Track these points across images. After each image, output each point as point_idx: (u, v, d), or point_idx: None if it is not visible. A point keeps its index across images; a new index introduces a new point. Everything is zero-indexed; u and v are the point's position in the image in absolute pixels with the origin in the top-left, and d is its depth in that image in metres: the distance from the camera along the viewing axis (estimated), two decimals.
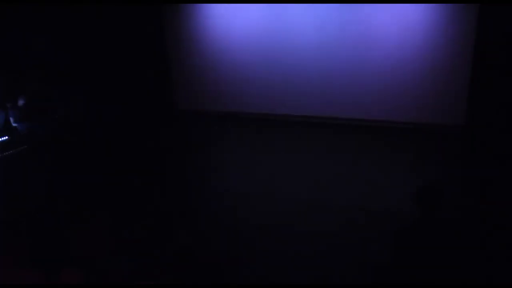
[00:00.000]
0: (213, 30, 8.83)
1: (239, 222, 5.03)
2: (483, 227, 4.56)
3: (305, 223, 4.95)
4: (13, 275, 3.85)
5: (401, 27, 7.41)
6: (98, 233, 4.37)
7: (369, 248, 4.27)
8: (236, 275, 4.04)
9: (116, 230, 4.41)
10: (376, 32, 7.60)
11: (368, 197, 5.48)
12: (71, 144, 7.56)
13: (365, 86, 7.88)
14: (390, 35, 7.51)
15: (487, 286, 3.48)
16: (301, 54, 8.20)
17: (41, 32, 8.13)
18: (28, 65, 7.90)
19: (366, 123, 7.99)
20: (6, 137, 7.09)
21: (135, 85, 9.19)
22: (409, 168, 6.28)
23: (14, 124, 7.12)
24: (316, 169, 6.45)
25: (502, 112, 6.78)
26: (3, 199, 5.81)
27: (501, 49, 6.69)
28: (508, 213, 4.80)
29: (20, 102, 7.11)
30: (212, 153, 7.45)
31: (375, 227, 4.73)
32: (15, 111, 7.09)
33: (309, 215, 5.13)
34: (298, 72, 8.30)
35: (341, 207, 5.25)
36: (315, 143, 7.50)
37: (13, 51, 7.77)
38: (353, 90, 7.98)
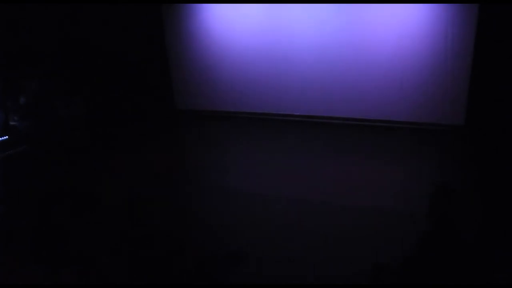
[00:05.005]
0: (213, 30, 8.83)
1: (239, 222, 5.03)
2: (483, 227, 4.56)
3: (305, 223, 4.95)
4: (13, 274, 3.85)
5: (401, 27, 7.41)
6: (98, 232, 4.36)
7: (369, 248, 4.27)
8: (236, 275, 4.04)
9: (116, 229, 4.41)
10: (376, 32, 7.60)
11: (369, 197, 5.48)
12: (69, 143, 7.56)
13: (365, 86, 7.88)
14: (390, 35, 7.51)
15: (488, 286, 3.47)
16: (301, 54, 8.20)
17: (41, 31, 8.12)
18: (28, 64, 7.89)
19: (366, 123, 7.99)
20: (6, 137, 7.09)
21: (135, 85, 9.18)
22: (409, 168, 6.28)
23: (14, 123, 7.12)
24: (316, 169, 6.45)
25: (502, 112, 6.79)
26: (3, 199, 5.81)
27: (501, 49, 6.69)
28: (508, 213, 4.80)
29: (21, 101, 7.10)
30: (211, 153, 7.44)
31: (375, 227, 4.73)
32: (16, 110, 7.09)
33: (309, 215, 5.13)
34: (298, 72, 8.30)
35: (341, 207, 5.25)
36: (315, 143, 7.50)
37: (13, 51, 7.77)
38: (353, 90, 7.98)
